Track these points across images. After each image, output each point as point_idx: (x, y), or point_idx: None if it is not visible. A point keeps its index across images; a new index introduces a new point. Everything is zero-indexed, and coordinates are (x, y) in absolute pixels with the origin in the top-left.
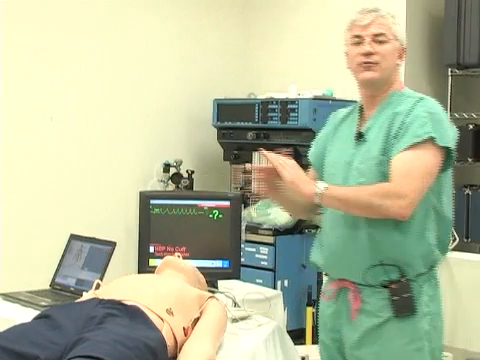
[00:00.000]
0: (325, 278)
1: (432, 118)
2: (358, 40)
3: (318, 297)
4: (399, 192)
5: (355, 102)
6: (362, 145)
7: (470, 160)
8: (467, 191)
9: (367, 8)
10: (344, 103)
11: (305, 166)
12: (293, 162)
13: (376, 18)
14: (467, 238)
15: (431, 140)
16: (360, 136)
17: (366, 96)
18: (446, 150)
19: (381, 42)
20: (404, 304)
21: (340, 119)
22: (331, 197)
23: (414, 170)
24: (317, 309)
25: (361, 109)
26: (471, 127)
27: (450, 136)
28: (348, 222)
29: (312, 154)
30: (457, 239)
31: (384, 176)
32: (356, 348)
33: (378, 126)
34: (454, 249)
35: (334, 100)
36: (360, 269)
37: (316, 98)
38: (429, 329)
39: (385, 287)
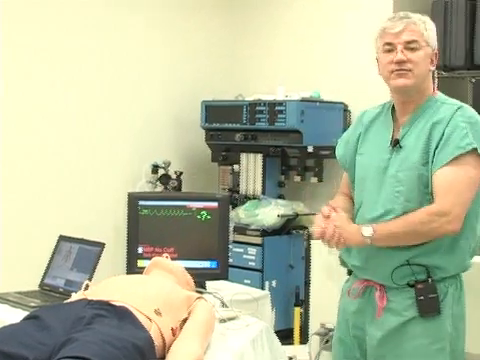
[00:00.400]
0: (348, 277)
1: (472, 128)
2: (390, 47)
3: (306, 297)
4: (442, 210)
5: (342, 103)
6: (399, 152)
7: None
8: None
9: (398, 14)
10: (331, 105)
11: (293, 167)
12: (336, 217)
13: (408, 25)
14: None
15: (473, 151)
16: (396, 143)
17: (400, 102)
18: None
19: (413, 49)
20: (429, 304)
21: (370, 120)
22: (380, 240)
23: (457, 185)
24: (306, 309)
25: (392, 112)
26: None
27: None
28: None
29: (342, 155)
30: None
31: (424, 186)
32: (379, 346)
33: (416, 134)
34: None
35: (321, 102)
36: (389, 268)
37: (304, 100)
38: (452, 331)
39: (411, 286)
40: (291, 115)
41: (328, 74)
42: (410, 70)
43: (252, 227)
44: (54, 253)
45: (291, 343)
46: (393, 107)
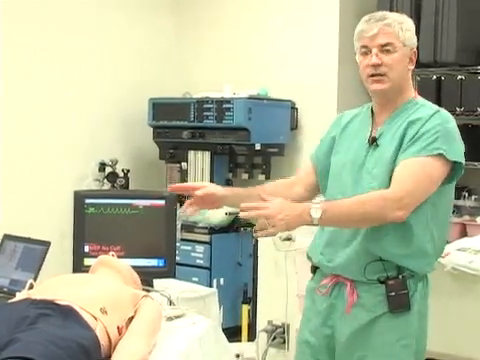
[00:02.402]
0: (312, 274)
1: (445, 133)
2: (365, 50)
3: (254, 294)
4: (396, 196)
5: (290, 101)
6: (375, 149)
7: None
8: None
9: (374, 16)
10: (279, 102)
11: (241, 164)
12: (274, 200)
13: (382, 28)
14: None
15: (440, 156)
16: (374, 140)
17: (378, 103)
18: (453, 164)
19: (388, 51)
20: (400, 300)
21: (347, 121)
22: (328, 221)
23: (416, 177)
24: (254, 306)
25: (371, 112)
26: None
27: (460, 151)
28: None
29: (315, 154)
30: None
31: None
32: (347, 342)
33: (392, 132)
34: None
35: (269, 99)
36: (361, 264)
37: (251, 97)
38: (417, 327)
39: (381, 283)
40: (238, 113)
41: (276, 72)
42: (385, 74)
43: (200, 225)
44: None
45: (239, 340)
46: (372, 107)
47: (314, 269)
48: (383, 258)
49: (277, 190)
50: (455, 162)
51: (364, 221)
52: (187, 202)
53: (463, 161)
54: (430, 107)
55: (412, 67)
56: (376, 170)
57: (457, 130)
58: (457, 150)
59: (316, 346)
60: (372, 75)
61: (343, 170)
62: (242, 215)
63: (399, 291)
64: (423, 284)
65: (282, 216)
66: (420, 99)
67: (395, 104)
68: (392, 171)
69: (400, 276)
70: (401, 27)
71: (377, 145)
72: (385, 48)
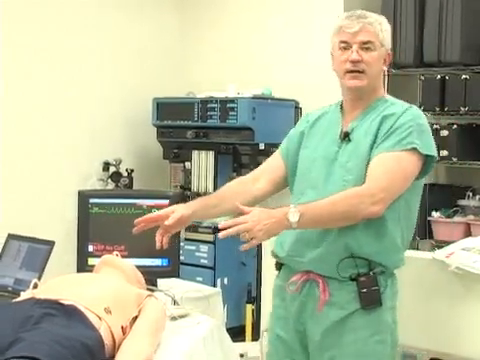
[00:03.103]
0: (276, 271)
1: (418, 128)
2: (345, 46)
3: (258, 294)
4: (371, 192)
5: (294, 101)
6: (348, 144)
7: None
8: None
9: (355, 13)
10: (283, 102)
11: (245, 164)
12: (251, 212)
13: (364, 26)
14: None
15: (414, 150)
16: (346, 135)
17: (350, 99)
18: (425, 158)
19: (368, 49)
20: (372, 297)
21: (315, 118)
22: (306, 224)
23: (391, 173)
24: (258, 306)
25: (341, 109)
26: None
27: (432, 145)
28: None
29: (283, 149)
30: None
31: None
32: (321, 339)
33: (365, 127)
34: None
35: (273, 99)
36: (334, 261)
37: (255, 97)
38: (391, 322)
39: (352, 280)
40: (242, 112)
41: (280, 72)
42: (363, 71)
43: (204, 225)
44: (3, 252)
45: (243, 340)
46: (341, 105)
47: (279, 266)
48: (356, 255)
49: (237, 190)
50: (427, 156)
51: (342, 220)
52: (158, 234)
53: (436, 154)
54: (401, 104)
55: (385, 68)
56: (350, 163)
57: (428, 126)
58: (430, 144)
59: (289, 342)
60: (351, 71)
61: (313, 165)
62: (222, 235)
63: (371, 288)
64: (392, 280)
65: (260, 226)
66: (390, 97)
67: (367, 101)
68: (368, 165)
69: (371, 273)
70: (381, 28)
71: (349, 139)
72: (365, 46)
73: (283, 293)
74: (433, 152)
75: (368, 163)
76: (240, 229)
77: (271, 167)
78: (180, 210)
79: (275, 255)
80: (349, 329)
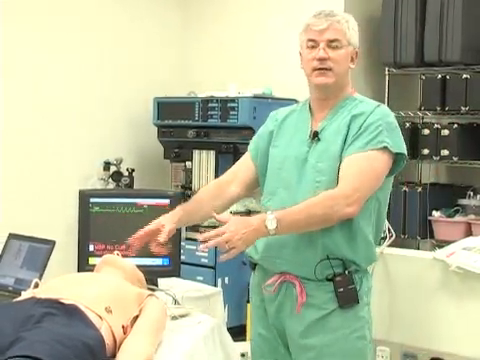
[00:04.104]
0: (252, 271)
1: (388, 127)
2: (313, 44)
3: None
4: (345, 194)
5: (294, 100)
6: (318, 144)
7: (407, 158)
8: (404, 188)
9: (323, 11)
10: (283, 101)
11: None
12: (228, 222)
13: (332, 24)
14: (404, 234)
15: (385, 149)
16: (315, 135)
17: (318, 98)
18: (395, 156)
19: (335, 47)
20: (349, 295)
21: (283, 117)
22: (283, 230)
23: (363, 173)
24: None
25: (309, 108)
26: (407, 125)
27: (402, 143)
28: None
29: (254, 149)
30: (394, 235)
31: None
32: (301, 338)
33: (335, 127)
34: (391, 245)
35: (273, 98)
36: (311, 263)
37: (256, 96)
38: (368, 318)
39: (329, 280)
40: (243, 112)
41: (280, 71)
42: (330, 68)
43: (205, 224)
44: (3, 251)
45: (243, 340)
46: (309, 105)
47: (254, 265)
48: (333, 256)
49: (214, 193)
50: (397, 154)
51: (319, 223)
52: (154, 247)
53: (405, 152)
54: (370, 102)
55: (353, 66)
56: (321, 164)
57: (397, 123)
58: (400, 142)
59: (271, 340)
60: (318, 69)
61: (284, 165)
62: (202, 248)
63: (347, 286)
64: (366, 277)
65: (239, 236)
66: (358, 95)
67: (335, 100)
68: (340, 166)
69: (346, 272)
70: (348, 26)
71: (319, 139)
72: (332, 44)
73: (261, 293)
74: (403, 150)
75: (340, 164)
76: (219, 242)
77: (241, 170)
78: (168, 223)
79: (249, 257)
80: (328, 329)
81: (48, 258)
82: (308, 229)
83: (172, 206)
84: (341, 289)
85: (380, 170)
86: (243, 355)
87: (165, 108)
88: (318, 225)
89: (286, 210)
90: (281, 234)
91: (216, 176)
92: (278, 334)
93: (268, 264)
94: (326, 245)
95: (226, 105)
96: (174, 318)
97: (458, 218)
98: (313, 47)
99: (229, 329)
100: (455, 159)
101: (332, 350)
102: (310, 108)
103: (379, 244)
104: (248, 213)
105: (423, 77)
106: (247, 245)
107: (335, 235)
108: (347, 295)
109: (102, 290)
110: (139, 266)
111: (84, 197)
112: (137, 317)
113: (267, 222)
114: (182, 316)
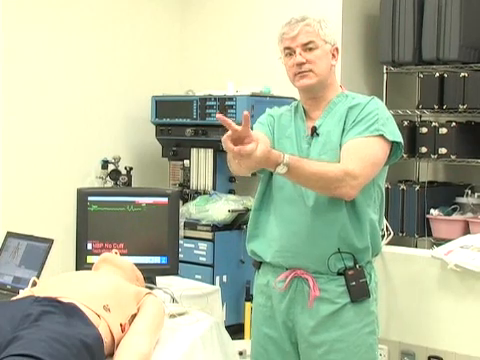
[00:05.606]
0: (256, 270)
1: (383, 116)
2: (289, 51)
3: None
4: (354, 173)
5: (293, 99)
6: (317, 139)
7: (405, 156)
8: (402, 186)
9: (294, 18)
10: (282, 100)
11: None
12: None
13: (303, 27)
14: (402, 232)
15: (381, 137)
16: (314, 130)
17: (309, 99)
18: (392, 145)
19: (311, 49)
20: (360, 289)
21: (278, 115)
22: (290, 177)
23: (366, 156)
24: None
25: (303, 111)
26: (406, 123)
27: (398, 132)
28: (307, 211)
29: (265, 125)
30: (392, 233)
31: None
32: (311, 334)
33: (333, 120)
34: (389, 243)
35: (272, 97)
36: (323, 257)
37: (254, 95)
38: (377, 313)
39: (339, 274)
40: (241, 110)
41: (278, 69)
42: (310, 70)
43: (203, 222)
44: (1, 250)
45: (242, 338)
46: (303, 108)
47: (259, 264)
48: (344, 248)
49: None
50: (393, 143)
51: (320, 187)
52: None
53: (401, 141)
54: (363, 96)
55: (335, 63)
56: (325, 156)
57: (391, 115)
58: (395, 131)
59: (278, 340)
60: (298, 73)
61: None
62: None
63: (359, 280)
64: (374, 272)
65: (257, 155)
66: (350, 92)
67: (327, 99)
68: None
69: (357, 265)
70: (320, 25)
71: (318, 134)
72: (307, 46)
73: (268, 291)
74: (399, 138)
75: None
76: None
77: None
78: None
79: (255, 255)
80: (340, 324)
81: (46, 256)
82: (308, 185)
83: (171, 204)
84: (353, 283)
85: (379, 156)
86: (241, 353)
87: (163, 106)
88: (318, 187)
89: (302, 161)
90: (285, 177)
91: (214, 174)
92: (286, 333)
93: (280, 260)
94: (345, 239)
95: (224, 103)
96: (172, 316)
97: (456, 216)
98: (291, 54)
99: (227, 327)
100: (453, 157)
101: (343, 345)
102: (304, 110)
103: None
104: (246, 211)
105: (421, 75)
106: (256, 165)
107: (347, 225)
108: (359, 289)
109: (100, 288)
110: (137, 264)
111: (82, 195)
112: (135, 315)
113: (278, 167)
114: (180, 314)
